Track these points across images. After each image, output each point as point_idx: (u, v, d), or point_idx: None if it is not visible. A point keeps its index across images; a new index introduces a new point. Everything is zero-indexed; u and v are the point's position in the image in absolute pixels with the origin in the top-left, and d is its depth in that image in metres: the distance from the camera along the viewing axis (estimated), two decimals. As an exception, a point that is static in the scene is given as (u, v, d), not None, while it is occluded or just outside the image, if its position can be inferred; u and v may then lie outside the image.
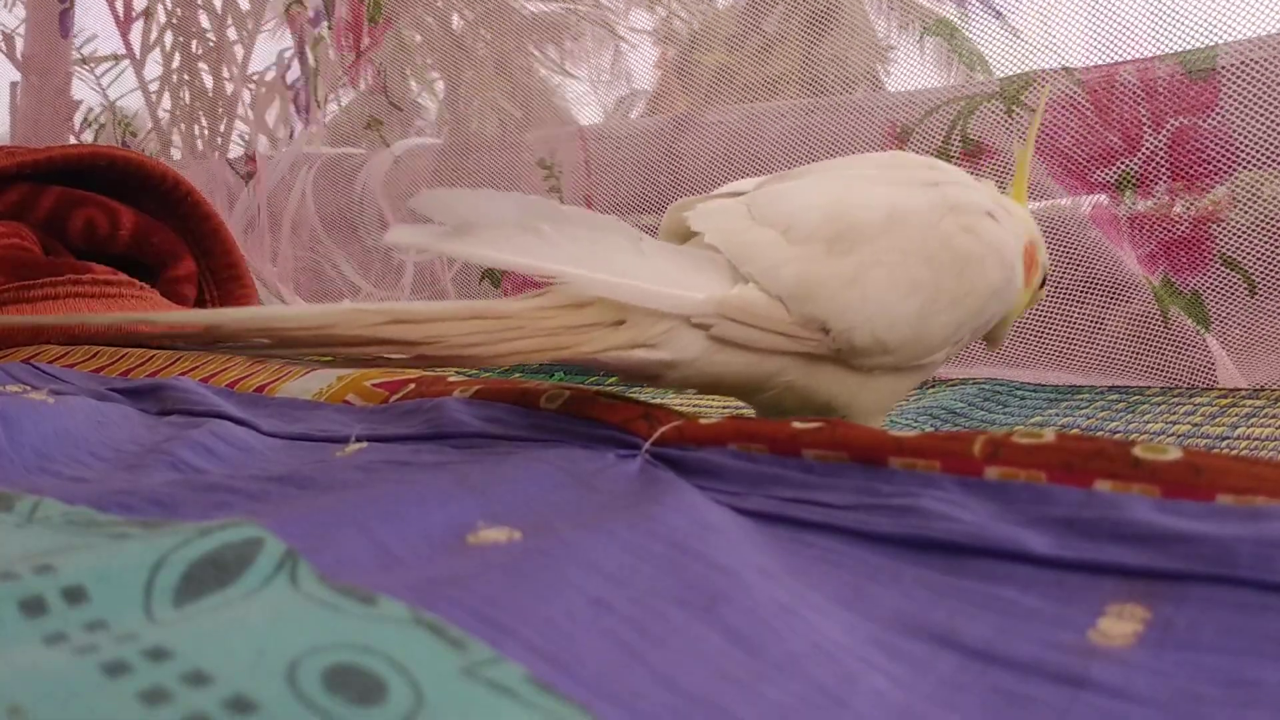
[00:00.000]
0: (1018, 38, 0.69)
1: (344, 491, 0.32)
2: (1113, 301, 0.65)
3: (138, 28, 1.21)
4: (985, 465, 0.29)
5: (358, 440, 0.42)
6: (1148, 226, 0.59)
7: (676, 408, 0.39)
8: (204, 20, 1.18)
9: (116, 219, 0.94)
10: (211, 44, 1.17)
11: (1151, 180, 0.58)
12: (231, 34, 1.15)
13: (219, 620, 0.20)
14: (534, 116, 1.01)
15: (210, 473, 0.38)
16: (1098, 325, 0.66)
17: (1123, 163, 0.58)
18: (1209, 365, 0.62)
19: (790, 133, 0.76)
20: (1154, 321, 0.63)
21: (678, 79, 0.91)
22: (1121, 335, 0.65)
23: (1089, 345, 0.66)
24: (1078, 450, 0.28)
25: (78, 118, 1.34)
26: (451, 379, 0.47)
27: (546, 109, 1.02)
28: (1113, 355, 0.65)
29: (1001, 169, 0.64)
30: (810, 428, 0.32)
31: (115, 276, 0.88)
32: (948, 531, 0.27)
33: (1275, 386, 0.59)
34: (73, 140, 1.33)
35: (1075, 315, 0.67)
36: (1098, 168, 0.59)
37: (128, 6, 1.22)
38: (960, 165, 0.64)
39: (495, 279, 0.90)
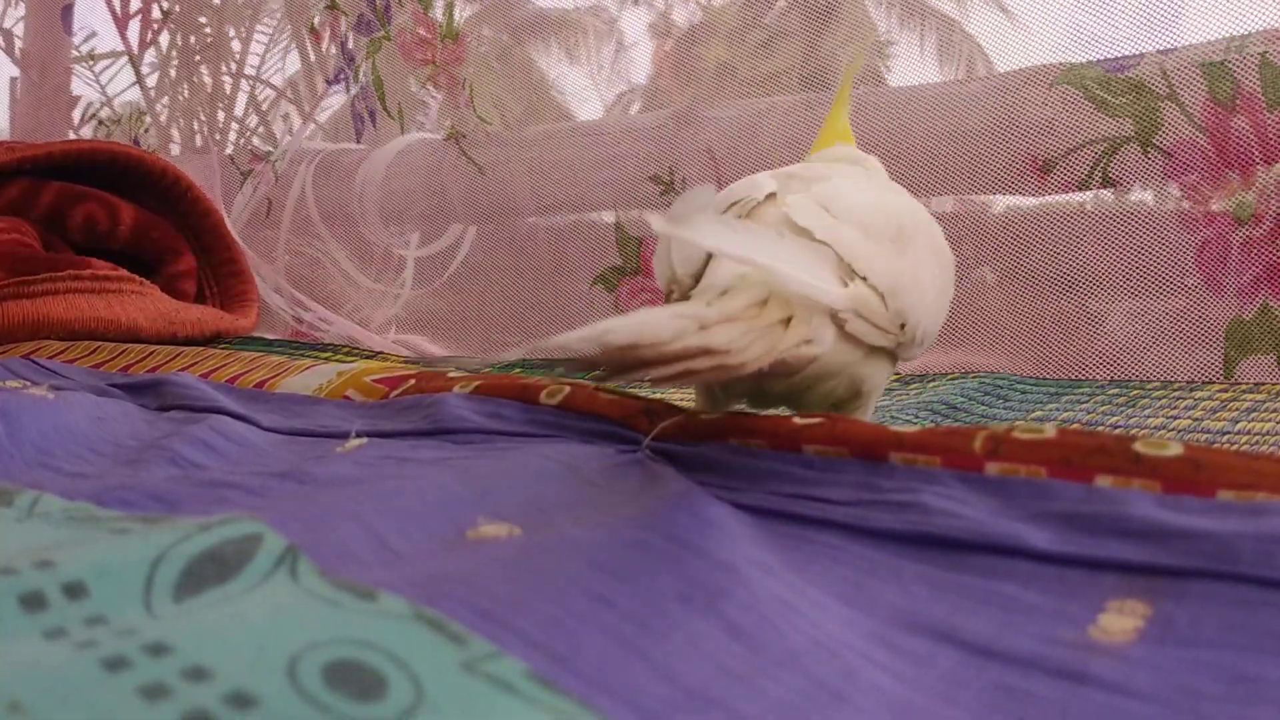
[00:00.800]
0: (1020, 30, 0.70)
1: (344, 487, 0.32)
2: (1115, 298, 0.66)
3: (136, 24, 1.21)
4: (986, 461, 0.29)
5: (358, 436, 0.42)
6: (1255, 252, 0.62)
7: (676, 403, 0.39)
8: (202, 16, 1.18)
9: (116, 214, 0.94)
10: (210, 40, 1.17)
11: (1264, 211, 0.61)
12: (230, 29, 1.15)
13: (219, 616, 0.20)
14: (534, 112, 1.01)
15: (210, 468, 0.38)
16: (1098, 322, 0.66)
17: (1239, 196, 0.64)
18: (1214, 364, 0.62)
19: (792, 128, 0.76)
20: (1155, 319, 0.64)
21: (675, 74, 0.91)
22: (1123, 332, 0.65)
23: (1090, 342, 0.66)
24: (1078, 445, 0.28)
25: (77, 113, 1.34)
26: (451, 374, 0.47)
27: (547, 104, 1.02)
28: (1114, 352, 0.65)
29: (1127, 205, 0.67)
30: (810, 424, 0.32)
31: (115, 272, 0.89)
32: (948, 527, 0.27)
33: (1275, 382, 0.59)
34: (73, 136, 1.33)
35: (1077, 311, 0.67)
36: (1217, 198, 0.63)
37: (125, 2, 1.22)
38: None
39: (609, 284, 0.89)
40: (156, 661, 0.18)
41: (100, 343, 0.72)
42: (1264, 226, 0.62)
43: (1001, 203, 0.71)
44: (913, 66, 0.76)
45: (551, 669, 0.20)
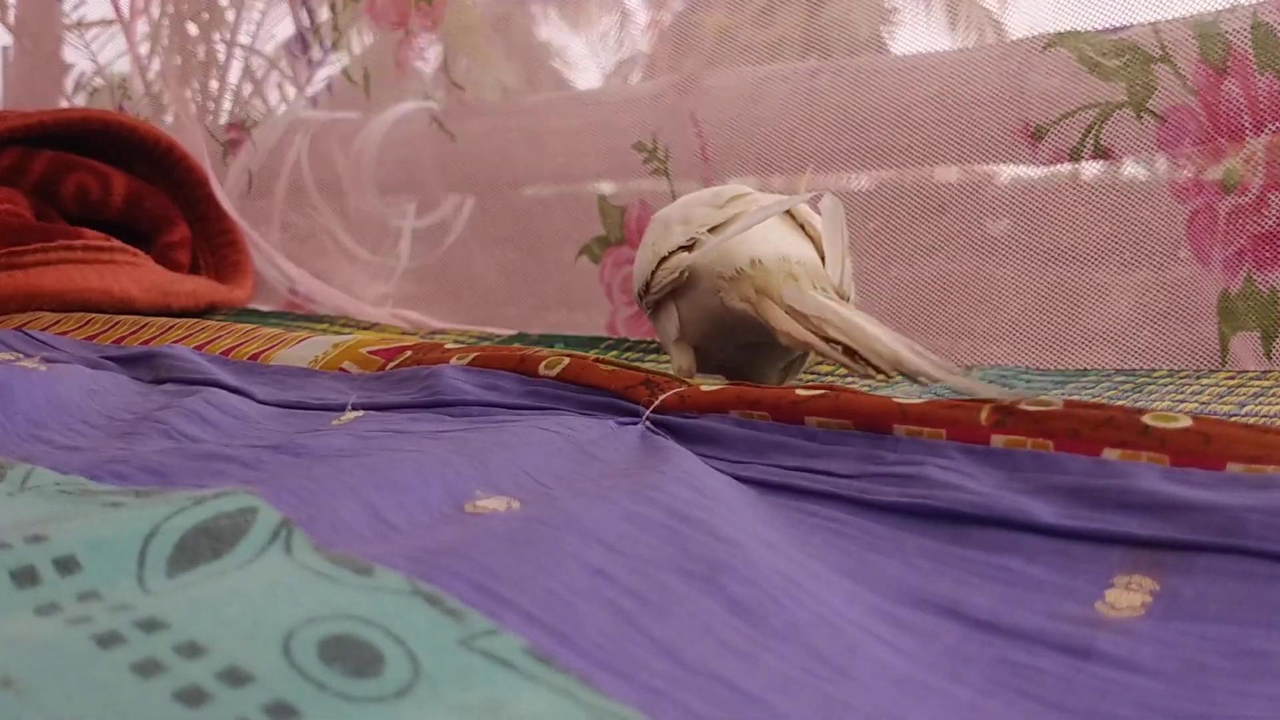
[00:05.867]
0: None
1: (340, 460, 0.32)
2: (1113, 271, 0.65)
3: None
4: (992, 433, 0.28)
5: (354, 408, 0.41)
6: (1242, 221, 0.61)
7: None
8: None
9: (109, 184, 0.93)
10: (201, 7, 1.16)
11: (1250, 180, 0.60)
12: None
13: (213, 591, 0.20)
14: (533, 80, 1.00)
15: (205, 441, 0.38)
16: (1104, 294, 0.66)
17: (1227, 163, 0.61)
18: (1210, 340, 0.62)
19: (795, 96, 0.75)
20: (1166, 294, 0.63)
21: (673, 42, 0.90)
22: (1129, 306, 0.64)
23: (1094, 316, 0.66)
24: (1086, 418, 0.27)
25: (70, 81, 1.33)
26: (449, 346, 0.47)
27: (546, 72, 1.00)
28: (1119, 326, 0.65)
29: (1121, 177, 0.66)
30: (813, 395, 0.32)
31: (108, 242, 0.88)
32: (952, 500, 0.27)
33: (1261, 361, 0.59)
34: (65, 104, 1.32)
35: (1081, 283, 0.66)
36: (1208, 168, 0.62)
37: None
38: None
39: (594, 255, 0.89)
40: (150, 637, 0.17)
41: (93, 314, 0.72)
42: (1249, 195, 0.60)
43: (1007, 173, 0.70)
44: (919, 34, 0.75)
45: (550, 645, 0.20)
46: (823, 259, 0.44)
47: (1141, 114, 0.63)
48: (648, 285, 0.47)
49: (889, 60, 0.74)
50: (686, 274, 0.44)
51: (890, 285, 0.72)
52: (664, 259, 0.45)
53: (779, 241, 0.43)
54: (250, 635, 0.18)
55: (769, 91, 0.77)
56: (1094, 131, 0.64)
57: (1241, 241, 0.61)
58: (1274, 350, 0.60)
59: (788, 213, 0.46)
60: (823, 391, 0.32)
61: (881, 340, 0.36)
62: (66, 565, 0.21)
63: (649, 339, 0.77)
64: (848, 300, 0.44)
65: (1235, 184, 0.61)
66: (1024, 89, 0.67)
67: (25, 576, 0.20)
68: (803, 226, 0.46)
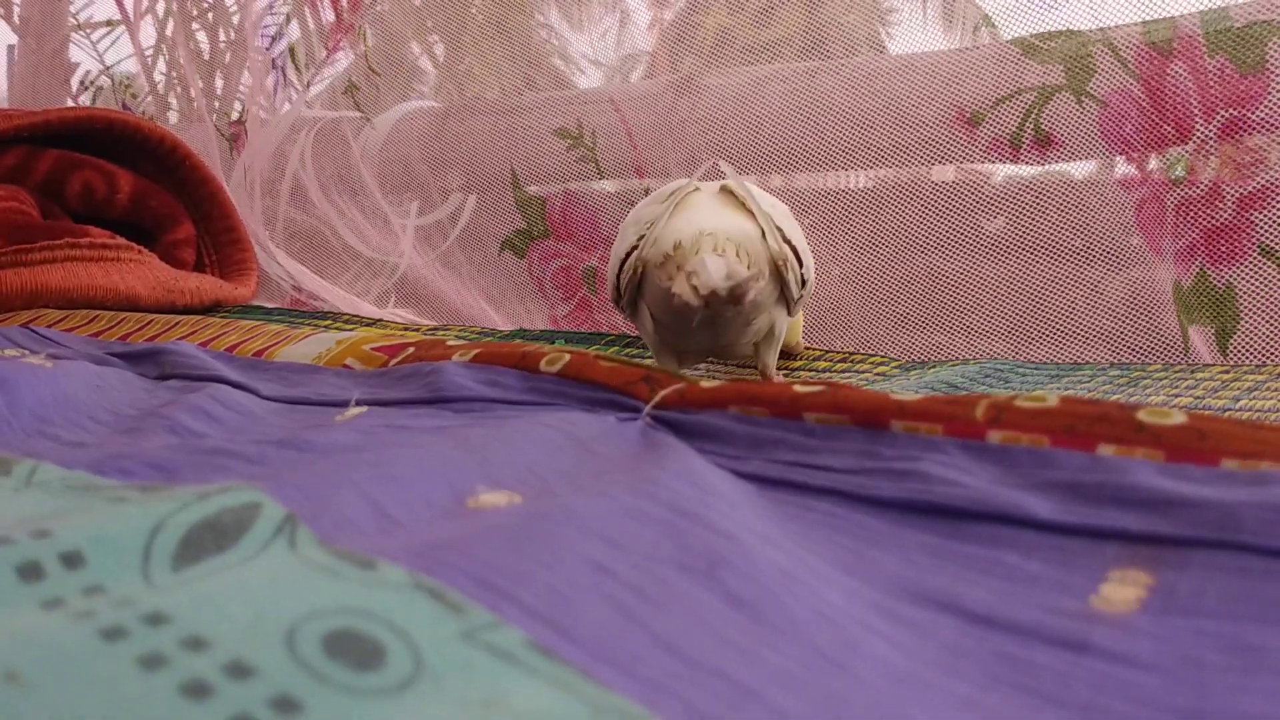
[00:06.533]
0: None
1: (343, 456, 0.32)
2: (1113, 269, 0.65)
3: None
4: (988, 429, 0.28)
5: (357, 404, 0.41)
6: (1192, 214, 0.59)
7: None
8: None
9: (114, 182, 0.93)
10: (207, 5, 1.16)
11: (1201, 169, 0.58)
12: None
13: (217, 585, 0.20)
14: (534, 79, 1.00)
15: (209, 437, 0.38)
16: (1096, 293, 0.65)
17: (1174, 151, 0.60)
18: (1171, 332, 0.61)
19: (792, 96, 0.75)
20: (1148, 298, 0.63)
21: (675, 41, 0.90)
22: (1120, 303, 0.64)
23: (1088, 314, 0.65)
24: (1081, 414, 0.27)
25: (75, 80, 1.33)
26: (451, 343, 0.47)
27: (547, 72, 1.00)
28: (1111, 325, 0.64)
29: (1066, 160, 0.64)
30: (811, 391, 0.32)
31: (113, 240, 0.88)
32: (949, 496, 0.27)
33: (1277, 362, 0.58)
34: (70, 103, 1.32)
35: (1074, 281, 0.66)
36: (1152, 156, 0.60)
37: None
38: (1031, 156, 0.64)
39: (518, 250, 0.89)
40: (154, 631, 0.18)
41: (99, 311, 0.72)
42: (1200, 187, 0.58)
43: (1002, 172, 0.70)
44: (914, 33, 0.75)
45: (551, 639, 0.20)
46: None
47: (1082, 98, 0.61)
48: (619, 290, 0.49)
49: (884, 60, 0.74)
50: (641, 269, 0.47)
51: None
52: (623, 261, 0.48)
53: (703, 220, 0.46)
54: (254, 629, 0.18)
55: (766, 91, 0.77)
56: (1032, 117, 0.63)
57: (1193, 235, 0.60)
58: (1230, 346, 0.59)
59: (729, 193, 0.48)
60: (821, 388, 0.32)
61: (708, 269, 0.42)
62: (71, 560, 0.21)
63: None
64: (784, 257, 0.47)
65: (1183, 175, 0.59)
66: (957, 74, 0.66)
67: (30, 571, 0.20)
68: (743, 204, 0.48)
